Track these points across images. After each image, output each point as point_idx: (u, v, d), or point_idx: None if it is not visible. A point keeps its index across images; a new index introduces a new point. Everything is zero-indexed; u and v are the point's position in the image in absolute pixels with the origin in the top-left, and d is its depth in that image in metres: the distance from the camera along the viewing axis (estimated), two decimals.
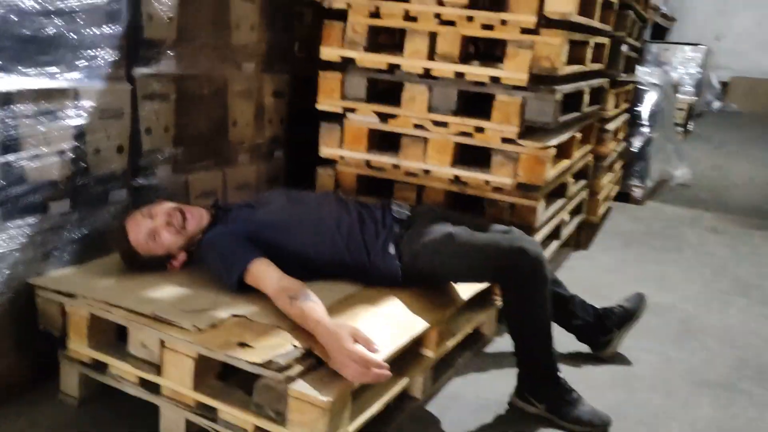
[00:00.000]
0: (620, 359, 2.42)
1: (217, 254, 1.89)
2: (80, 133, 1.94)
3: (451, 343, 2.13)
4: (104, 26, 1.96)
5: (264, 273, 1.81)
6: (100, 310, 1.75)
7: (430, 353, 2.01)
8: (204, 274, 1.94)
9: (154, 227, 1.91)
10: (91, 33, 1.93)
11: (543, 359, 1.97)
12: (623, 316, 2.41)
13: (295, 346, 1.60)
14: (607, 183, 3.89)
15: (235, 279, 1.83)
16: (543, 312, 1.93)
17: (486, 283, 2.22)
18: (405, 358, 1.88)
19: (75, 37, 1.89)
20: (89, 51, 1.93)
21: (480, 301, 2.30)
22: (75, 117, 1.92)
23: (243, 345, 1.59)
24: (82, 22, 1.89)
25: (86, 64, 1.93)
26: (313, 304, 1.68)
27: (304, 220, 2.03)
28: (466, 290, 2.16)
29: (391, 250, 2.02)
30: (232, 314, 1.74)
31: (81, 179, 1.96)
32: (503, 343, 2.43)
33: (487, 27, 2.42)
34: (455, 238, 1.97)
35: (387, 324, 1.82)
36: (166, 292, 1.84)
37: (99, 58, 1.97)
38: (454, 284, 2.14)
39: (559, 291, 2.32)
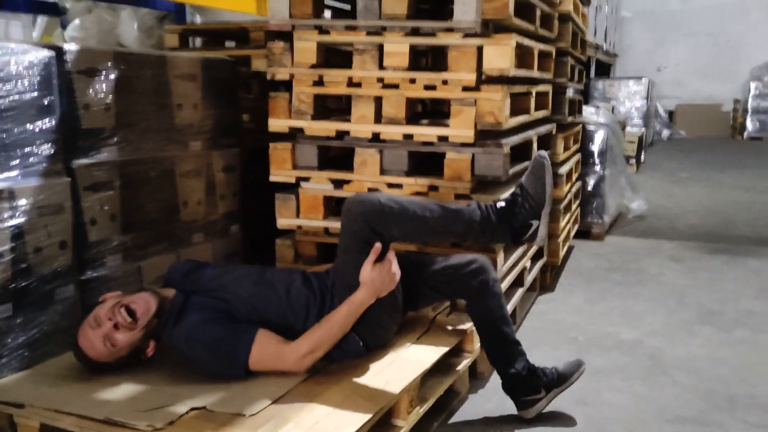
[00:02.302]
0: (592, 401, 2.40)
1: (205, 347, 1.81)
2: (18, 234, 1.89)
3: (423, 408, 2.08)
4: (37, 121, 1.94)
5: (273, 339, 1.86)
6: (50, 418, 1.67)
7: (401, 423, 1.96)
8: (162, 364, 1.87)
9: (104, 334, 1.81)
10: (24, 129, 1.90)
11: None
12: (554, 380, 2.24)
13: None
14: (566, 224, 3.93)
15: (243, 360, 1.81)
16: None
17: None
18: (380, 425, 1.83)
19: (5, 136, 1.86)
20: (23, 148, 1.90)
21: (453, 357, 2.27)
22: (11, 218, 1.87)
23: None
24: (12, 120, 1.87)
25: (20, 162, 1.90)
26: (319, 325, 1.89)
27: (270, 309, 1.98)
28: (433, 353, 2.12)
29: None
30: (191, 407, 1.68)
31: (23, 281, 1.90)
32: (478, 400, 2.39)
33: (430, 87, 2.46)
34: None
35: (353, 397, 1.78)
36: (121, 390, 1.77)
37: (34, 155, 1.93)
38: (419, 345, 2.14)
39: (507, 331, 2.22)
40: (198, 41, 4.29)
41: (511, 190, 2.25)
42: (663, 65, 13.29)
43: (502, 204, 2.14)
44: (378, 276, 1.92)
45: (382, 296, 1.95)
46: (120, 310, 1.83)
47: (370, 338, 2.02)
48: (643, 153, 8.61)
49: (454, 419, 2.27)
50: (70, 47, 2.11)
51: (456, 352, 2.32)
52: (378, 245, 1.92)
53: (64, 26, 5.32)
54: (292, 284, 2.04)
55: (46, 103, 1.97)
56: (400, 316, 2.17)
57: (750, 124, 11.86)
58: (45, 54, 2.01)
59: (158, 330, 1.88)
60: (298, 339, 1.88)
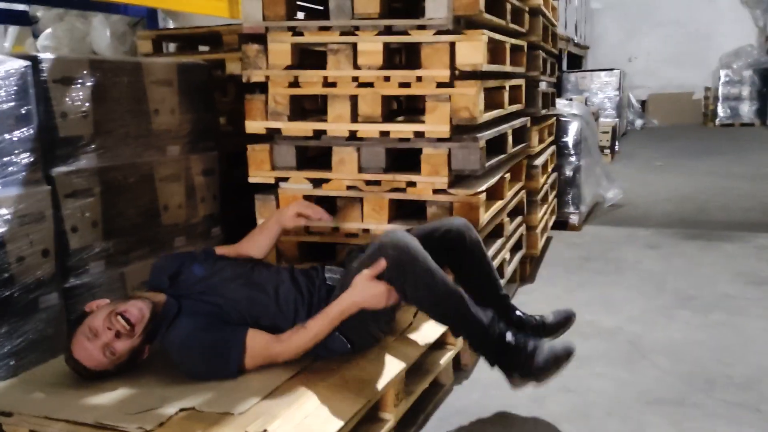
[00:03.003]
0: (575, 388, 2.45)
1: (199, 351, 1.82)
2: (0, 243, 1.88)
3: (408, 402, 2.12)
4: (15, 131, 1.94)
5: (264, 337, 1.86)
6: (40, 425, 1.68)
7: (388, 416, 1.99)
8: (150, 366, 1.88)
9: (104, 344, 1.78)
10: (2, 140, 1.91)
11: (465, 327, 2.02)
12: (539, 330, 2.32)
13: None
14: (543, 215, 3.99)
15: (236, 360, 1.83)
16: (427, 276, 1.95)
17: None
18: (364, 425, 1.86)
19: None
20: (1, 158, 1.91)
21: (436, 350, 2.30)
22: None
23: None
24: None
25: None
26: (312, 321, 1.89)
27: (263, 305, 1.99)
28: (416, 347, 2.16)
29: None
30: (180, 408, 1.69)
31: (6, 290, 1.90)
32: (463, 392, 2.43)
33: (405, 85, 2.49)
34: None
35: (340, 392, 1.81)
36: (109, 394, 1.77)
37: (13, 164, 1.94)
38: (407, 334, 2.17)
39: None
40: (171, 46, 4.28)
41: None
42: (634, 55, 13.46)
43: (510, 340, 2.03)
44: (371, 289, 1.89)
45: (366, 308, 1.92)
46: (117, 318, 1.79)
47: (358, 342, 2.02)
48: (617, 143, 8.73)
49: (439, 411, 2.31)
50: (46, 56, 2.12)
51: (439, 345, 2.36)
52: (383, 262, 1.89)
53: (36, 35, 5.27)
54: (280, 285, 2.05)
55: (23, 112, 1.98)
56: (393, 325, 2.20)
57: (721, 111, 12.07)
58: (21, 64, 2.01)
59: (153, 334, 1.88)
60: (289, 334, 1.89)
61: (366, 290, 1.88)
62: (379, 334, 2.11)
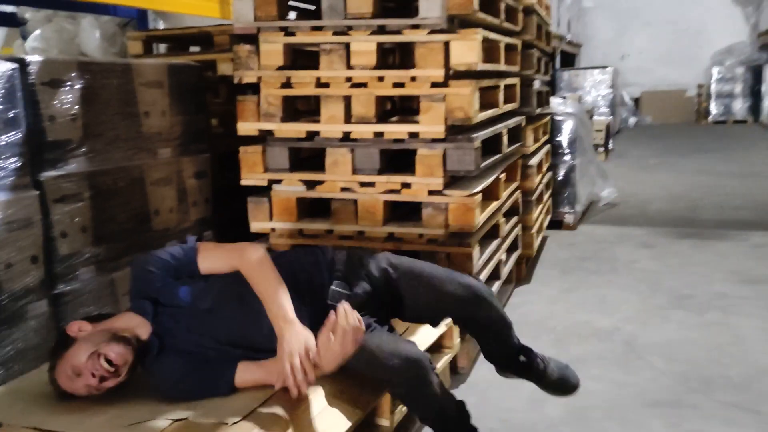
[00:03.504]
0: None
1: (186, 395, 1.74)
2: None
3: (405, 407, 2.09)
4: (2, 135, 1.91)
5: (250, 382, 1.77)
6: None
7: (385, 422, 1.97)
8: (140, 378, 1.84)
9: (89, 385, 1.68)
10: None
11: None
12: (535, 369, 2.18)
13: None
14: (539, 215, 3.97)
15: (228, 390, 1.75)
16: (431, 405, 1.88)
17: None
18: (363, 426, 1.84)
19: None
20: None
21: (432, 353, 2.27)
22: None
23: None
24: None
25: None
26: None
27: (256, 341, 1.84)
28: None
29: None
30: (172, 420, 1.66)
31: None
32: (459, 395, 2.40)
33: (399, 85, 2.46)
34: (363, 349, 1.76)
35: (337, 401, 1.78)
36: (100, 407, 1.73)
37: (0, 169, 1.89)
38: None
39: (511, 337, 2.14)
40: (162, 47, 4.24)
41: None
42: (627, 53, 13.48)
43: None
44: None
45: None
46: (100, 362, 1.67)
47: None
48: (611, 141, 8.74)
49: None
50: (33, 59, 2.08)
51: (436, 349, 2.33)
52: (333, 317, 1.68)
53: (24, 37, 5.22)
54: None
55: (10, 116, 1.94)
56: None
57: (714, 108, 12.12)
58: (8, 66, 1.97)
59: (135, 367, 1.77)
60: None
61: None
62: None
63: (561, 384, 2.10)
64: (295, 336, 1.69)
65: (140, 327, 1.79)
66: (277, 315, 1.73)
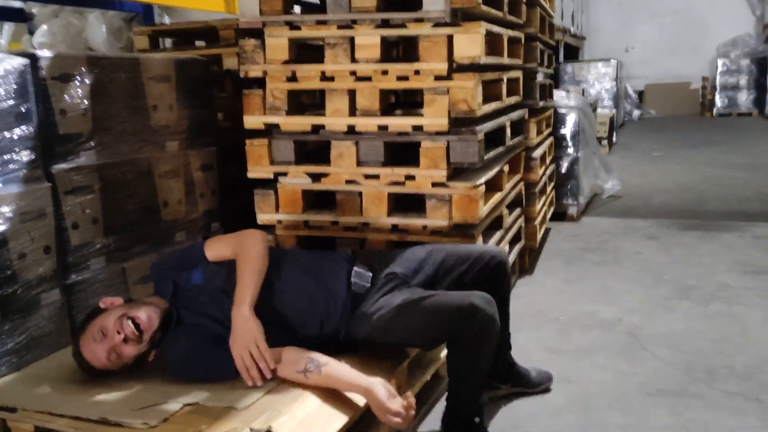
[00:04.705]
0: (576, 379, 2.47)
1: (198, 370, 1.81)
2: (2, 240, 1.90)
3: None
4: (15, 129, 1.94)
5: None
6: (44, 421, 1.68)
7: None
8: (153, 363, 1.88)
9: (111, 347, 1.77)
10: (2, 138, 1.91)
11: (471, 408, 1.98)
12: (522, 380, 2.34)
13: (252, 429, 1.57)
14: (542, 207, 3.99)
15: (233, 374, 1.79)
16: (484, 368, 1.92)
17: (437, 344, 2.08)
18: (366, 419, 1.87)
19: None
20: (2, 156, 1.91)
21: None
22: None
23: None
24: None
25: (0, 170, 1.89)
26: (328, 369, 1.76)
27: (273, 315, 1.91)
28: None
29: (342, 334, 1.96)
30: (184, 404, 1.70)
31: (8, 287, 1.90)
32: None
33: (403, 78, 2.49)
34: (405, 313, 1.89)
35: None
36: (113, 390, 1.78)
37: (13, 162, 1.94)
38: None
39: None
40: (168, 42, 4.27)
41: None
42: (631, 45, 13.44)
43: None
44: (388, 407, 1.72)
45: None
46: (127, 323, 1.77)
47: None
48: (614, 134, 8.73)
49: (441, 404, 2.31)
50: (44, 54, 2.12)
51: None
52: (411, 401, 1.76)
53: (31, 32, 5.26)
54: (293, 294, 1.96)
55: (23, 110, 1.98)
56: None
57: (719, 101, 12.06)
58: (19, 62, 2.01)
59: (159, 342, 1.86)
60: (291, 362, 1.79)
61: (381, 405, 1.72)
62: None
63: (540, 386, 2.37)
64: (243, 327, 1.77)
65: (162, 305, 1.89)
66: (236, 300, 1.81)
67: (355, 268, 2.05)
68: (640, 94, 12.97)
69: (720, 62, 11.96)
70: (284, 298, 1.93)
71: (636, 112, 12.40)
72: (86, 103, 2.24)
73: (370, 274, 2.05)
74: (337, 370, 1.77)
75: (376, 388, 1.72)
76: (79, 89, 2.22)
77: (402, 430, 1.86)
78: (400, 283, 2.04)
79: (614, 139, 8.64)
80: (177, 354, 1.83)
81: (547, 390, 2.38)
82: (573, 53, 11.73)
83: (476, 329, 1.82)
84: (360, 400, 1.78)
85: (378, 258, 2.16)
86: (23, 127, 1.97)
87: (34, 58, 2.07)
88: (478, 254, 2.15)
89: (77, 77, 2.22)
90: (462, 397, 1.97)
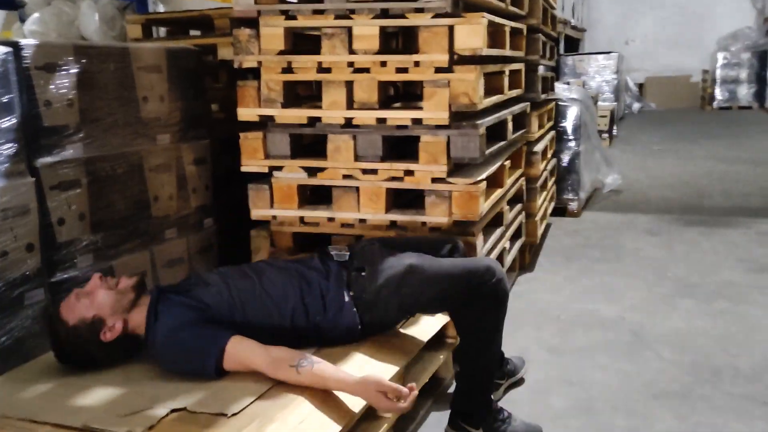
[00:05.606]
0: (578, 381, 2.40)
1: (179, 349, 1.74)
2: None
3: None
4: None
5: (246, 350, 1.73)
6: (26, 429, 1.61)
7: (387, 413, 1.93)
8: (140, 367, 1.82)
9: (84, 292, 1.79)
10: None
11: (486, 384, 2.02)
12: (514, 371, 2.41)
13: None
14: (543, 202, 3.93)
15: (213, 366, 1.72)
16: (500, 331, 1.99)
17: (451, 309, 2.05)
18: (363, 422, 1.81)
19: None
20: None
21: (435, 344, 2.25)
22: None
23: None
24: None
25: None
26: (321, 366, 1.69)
27: (249, 299, 1.89)
28: (415, 342, 2.10)
29: (346, 297, 1.93)
30: (171, 409, 1.63)
31: None
32: None
33: (402, 70, 2.41)
34: (419, 268, 1.94)
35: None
36: (98, 396, 1.71)
37: None
38: (406, 329, 2.10)
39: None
40: (162, 31, 4.18)
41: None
42: (631, 38, 13.35)
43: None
44: (379, 399, 1.68)
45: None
46: (107, 277, 1.83)
47: (369, 325, 1.95)
48: (615, 127, 8.66)
49: (438, 405, 2.26)
50: (28, 42, 2.03)
51: (438, 339, 2.30)
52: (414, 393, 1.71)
53: (23, 20, 5.15)
54: (282, 282, 1.95)
55: (4, 101, 1.89)
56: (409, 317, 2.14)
57: (719, 94, 12.00)
58: (1, 50, 1.92)
59: (134, 331, 1.81)
60: (281, 359, 1.72)
61: (380, 385, 1.67)
62: (392, 324, 2.06)
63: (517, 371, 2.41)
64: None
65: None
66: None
67: (330, 248, 2.10)
68: (641, 87, 12.90)
69: (720, 55, 11.89)
70: (265, 299, 1.90)
71: (636, 105, 12.33)
72: (73, 93, 2.15)
73: (346, 246, 2.13)
74: (330, 367, 1.72)
75: (369, 378, 1.69)
76: (65, 79, 2.13)
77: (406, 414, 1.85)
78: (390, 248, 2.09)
79: (615, 132, 8.57)
80: (160, 331, 1.76)
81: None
82: (573, 46, 11.65)
83: (495, 286, 1.88)
84: (354, 406, 1.71)
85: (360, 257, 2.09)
86: (5, 119, 1.89)
87: (17, 47, 1.98)
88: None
89: (63, 67, 2.13)
90: (479, 376, 2.00)
